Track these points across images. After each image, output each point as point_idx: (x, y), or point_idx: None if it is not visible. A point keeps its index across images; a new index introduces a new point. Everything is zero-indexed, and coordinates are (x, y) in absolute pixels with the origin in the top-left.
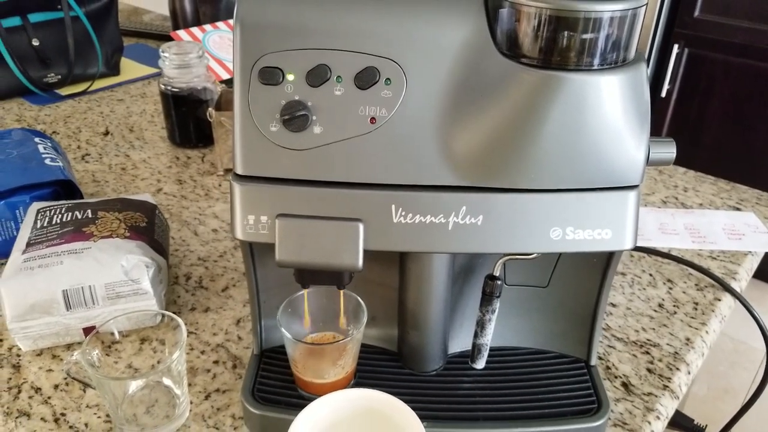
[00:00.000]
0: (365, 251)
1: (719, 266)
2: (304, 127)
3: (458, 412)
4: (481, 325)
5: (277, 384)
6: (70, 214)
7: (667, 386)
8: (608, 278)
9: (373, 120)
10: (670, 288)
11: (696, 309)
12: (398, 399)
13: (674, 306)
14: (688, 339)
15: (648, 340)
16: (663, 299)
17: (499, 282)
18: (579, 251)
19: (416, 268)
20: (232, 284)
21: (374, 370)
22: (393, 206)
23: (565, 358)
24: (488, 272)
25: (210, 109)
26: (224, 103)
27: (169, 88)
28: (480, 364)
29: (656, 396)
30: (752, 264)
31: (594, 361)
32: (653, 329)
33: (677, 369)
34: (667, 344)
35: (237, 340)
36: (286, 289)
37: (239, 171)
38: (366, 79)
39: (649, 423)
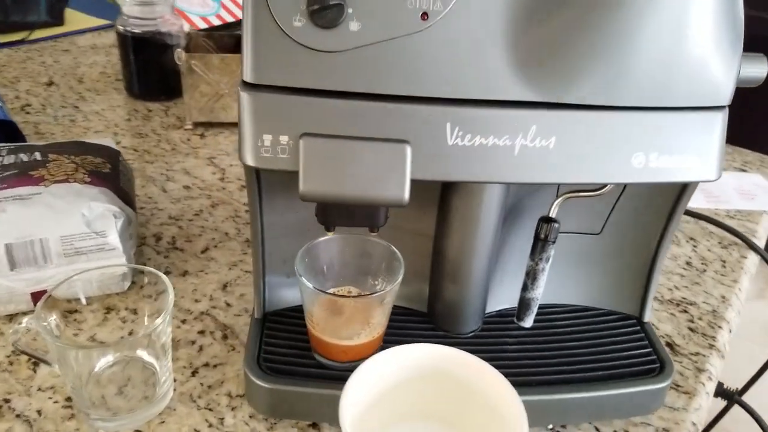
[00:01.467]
0: (411, 182)
1: (738, 225)
2: (337, 22)
3: (507, 377)
4: (532, 276)
5: (287, 351)
6: (13, 156)
7: (713, 345)
8: (674, 221)
9: (425, 16)
10: (695, 246)
11: (725, 266)
12: (485, 362)
13: (702, 264)
14: (723, 296)
15: (683, 298)
16: (690, 257)
17: (556, 225)
18: (663, 182)
19: (463, 207)
20: (213, 245)
21: (403, 332)
22: (448, 125)
23: (615, 314)
24: (539, 214)
25: (179, 50)
26: (195, 47)
27: (128, 29)
28: (528, 321)
29: (704, 356)
30: None
31: (648, 318)
32: (686, 287)
33: (719, 327)
34: (704, 302)
35: (225, 307)
36: (295, 239)
37: (250, 78)
38: None
39: (703, 384)
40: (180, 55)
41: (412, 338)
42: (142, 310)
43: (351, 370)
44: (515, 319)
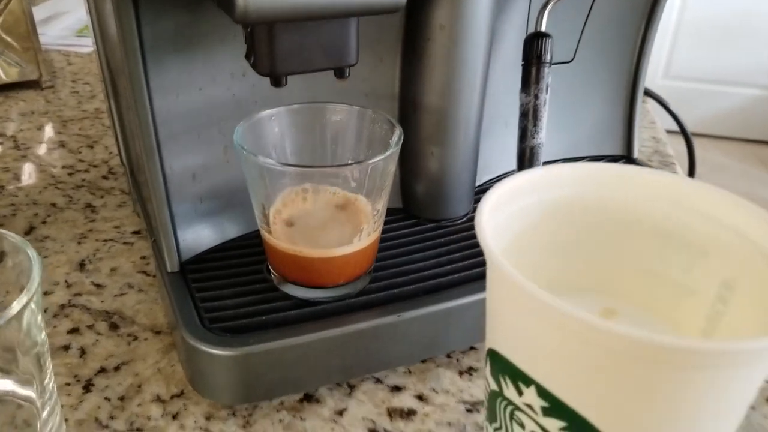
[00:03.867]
0: None
1: None
2: None
3: None
4: (533, 115)
5: (238, 301)
6: None
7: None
8: (654, 24)
9: None
10: None
11: None
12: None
13: None
14: (653, 137)
15: None
16: None
17: (550, 39)
18: None
19: (450, 21)
20: (39, 221)
21: (389, 236)
22: None
23: (604, 158)
24: (513, 41)
25: None
26: None
27: None
28: None
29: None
30: None
31: (636, 154)
32: None
33: (672, 164)
34: (642, 147)
35: (95, 290)
36: (205, 138)
37: None
38: None
39: None
40: None
41: (397, 240)
42: None
43: (346, 297)
44: None
